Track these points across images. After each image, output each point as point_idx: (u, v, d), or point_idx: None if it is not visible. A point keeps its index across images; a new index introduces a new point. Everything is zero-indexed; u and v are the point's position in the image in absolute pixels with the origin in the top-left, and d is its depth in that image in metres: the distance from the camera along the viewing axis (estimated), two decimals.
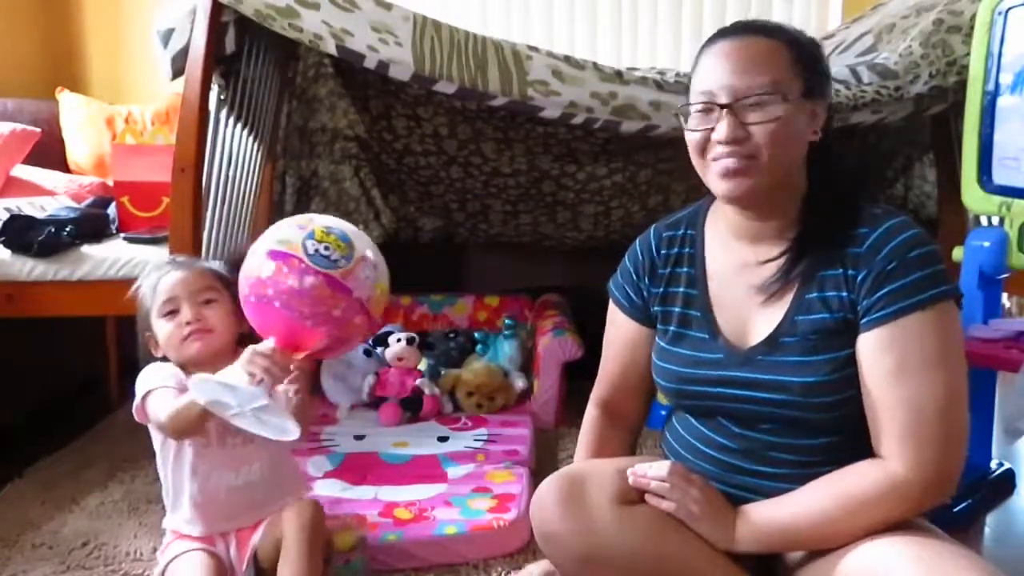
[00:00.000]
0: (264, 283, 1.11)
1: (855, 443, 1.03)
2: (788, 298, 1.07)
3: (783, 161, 1.04)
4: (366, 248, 1.16)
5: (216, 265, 1.41)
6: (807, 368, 1.03)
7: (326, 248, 1.11)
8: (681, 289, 1.16)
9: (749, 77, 1.02)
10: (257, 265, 1.13)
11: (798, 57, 1.05)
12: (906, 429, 0.97)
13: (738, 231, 1.12)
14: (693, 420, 1.16)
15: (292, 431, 1.10)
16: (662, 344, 1.18)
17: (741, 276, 1.11)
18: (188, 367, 1.32)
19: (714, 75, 1.04)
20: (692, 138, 1.07)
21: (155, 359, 1.35)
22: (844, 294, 1.03)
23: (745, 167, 1.03)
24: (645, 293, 1.20)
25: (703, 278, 1.15)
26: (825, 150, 1.08)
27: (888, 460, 0.99)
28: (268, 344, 1.12)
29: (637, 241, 1.24)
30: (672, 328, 1.16)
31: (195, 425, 1.22)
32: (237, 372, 1.13)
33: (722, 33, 1.08)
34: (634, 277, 1.22)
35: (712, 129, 1.03)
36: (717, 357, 1.10)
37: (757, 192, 1.04)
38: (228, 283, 1.34)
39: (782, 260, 1.07)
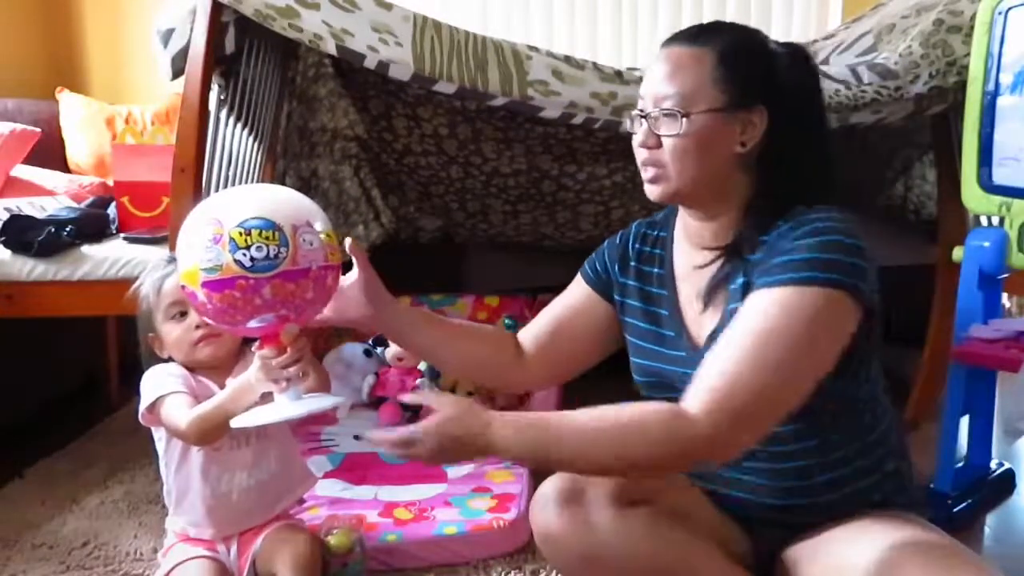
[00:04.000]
0: (226, 312, 1.00)
1: (821, 425, 1.04)
2: (721, 306, 1.07)
3: (691, 174, 1.05)
4: (289, 215, 1.02)
5: None
6: None
7: (258, 249, 0.97)
8: (653, 288, 1.18)
9: (664, 88, 1.05)
10: (204, 300, 1.00)
11: (729, 65, 1.04)
12: (719, 384, 0.94)
13: (689, 234, 1.15)
14: None
15: (335, 399, 1.13)
16: (633, 339, 1.20)
17: (691, 279, 1.13)
18: (195, 369, 1.31)
19: (644, 83, 1.09)
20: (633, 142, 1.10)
21: (157, 360, 1.33)
22: (746, 278, 1.04)
23: (656, 175, 1.07)
24: (611, 274, 1.23)
25: (671, 278, 1.17)
26: (778, 155, 1.06)
27: (687, 404, 0.95)
28: (271, 351, 1.07)
29: (620, 232, 1.27)
30: (643, 324, 1.18)
31: (222, 431, 1.21)
32: (252, 379, 1.12)
33: (665, 40, 1.11)
34: (605, 257, 1.25)
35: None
36: (680, 355, 1.12)
37: (677, 198, 1.09)
38: None
39: (714, 267, 1.09)
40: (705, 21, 1.18)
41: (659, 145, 1.05)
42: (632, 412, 0.96)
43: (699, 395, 0.95)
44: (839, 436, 1.05)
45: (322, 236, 1.03)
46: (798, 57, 1.09)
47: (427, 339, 1.21)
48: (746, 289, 1.02)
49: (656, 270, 1.19)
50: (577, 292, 1.26)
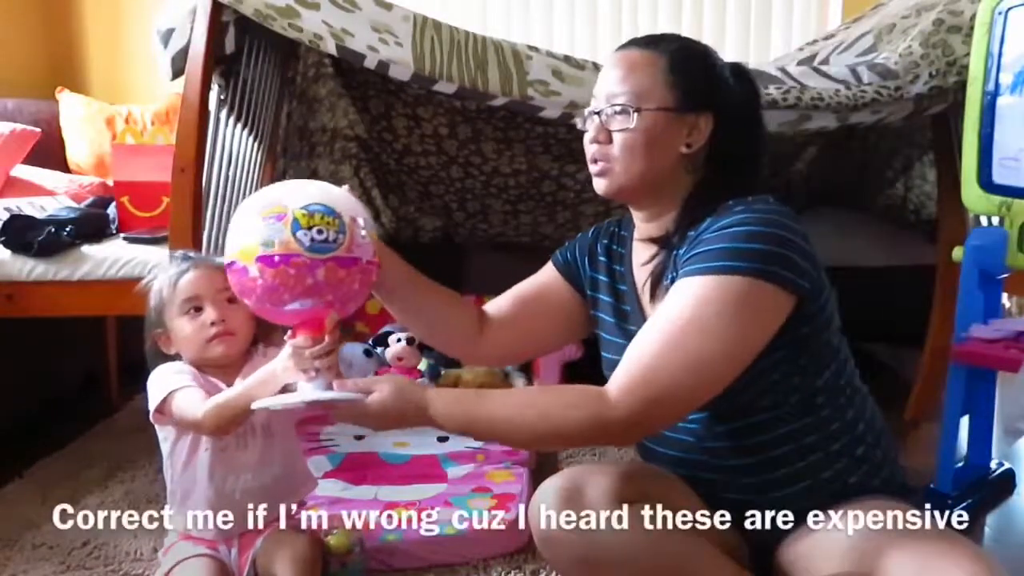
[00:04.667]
0: (273, 289, 1.02)
1: (797, 412, 1.07)
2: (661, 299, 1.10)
3: (639, 169, 1.11)
4: (346, 208, 1.06)
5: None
6: None
7: (319, 232, 1.01)
8: (622, 286, 1.22)
9: (616, 87, 1.11)
10: (256, 275, 1.02)
11: (680, 70, 1.11)
12: (636, 371, 0.99)
13: (639, 231, 1.20)
14: None
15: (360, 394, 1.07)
16: (603, 334, 1.24)
17: (642, 274, 1.18)
18: (204, 367, 1.31)
19: (598, 83, 1.15)
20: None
21: (162, 357, 1.32)
22: (674, 274, 1.08)
23: (603, 169, 1.13)
24: (580, 265, 1.28)
25: (631, 275, 1.21)
26: (720, 158, 1.12)
27: (609, 387, 1.01)
28: (304, 339, 1.06)
29: (594, 226, 1.31)
30: (611, 319, 1.22)
31: (240, 422, 1.22)
32: (279, 369, 1.12)
33: (620, 46, 1.17)
34: (576, 248, 1.29)
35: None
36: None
37: (622, 193, 1.14)
38: None
39: (654, 263, 1.14)
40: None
41: (609, 140, 1.11)
42: (559, 390, 1.06)
43: (618, 380, 1.00)
44: (797, 426, 1.07)
45: (372, 236, 1.08)
46: (740, 71, 1.17)
47: (410, 292, 1.23)
48: (676, 266, 1.08)
49: (619, 267, 1.24)
50: (544, 274, 1.31)
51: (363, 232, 1.05)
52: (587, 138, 1.14)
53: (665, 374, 0.98)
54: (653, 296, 1.13)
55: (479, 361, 1.87)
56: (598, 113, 1.12)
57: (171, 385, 1.25)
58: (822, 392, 1.09)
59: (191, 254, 1.39)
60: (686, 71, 1.11)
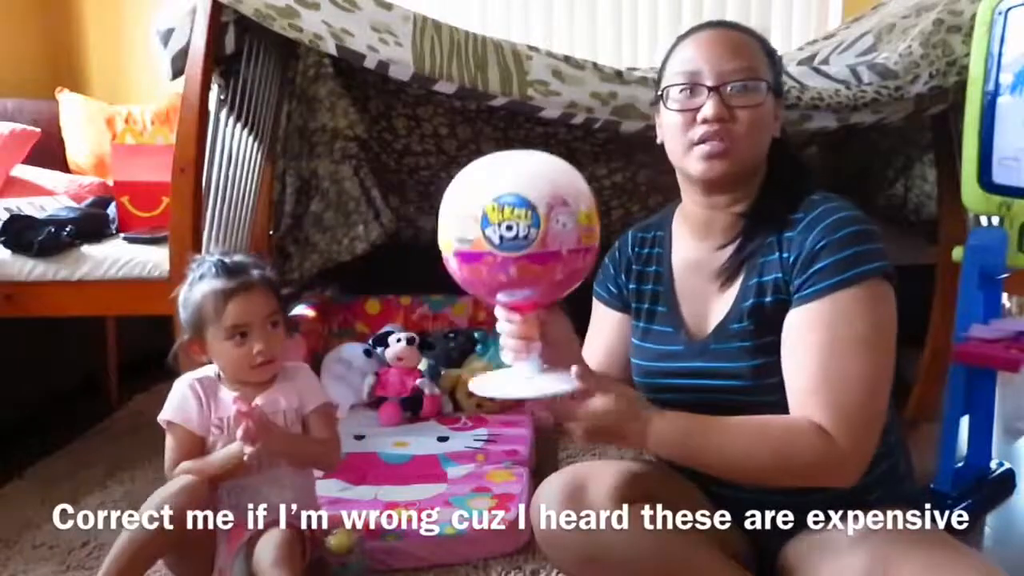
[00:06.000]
0: (473, 283, 1.00)
1: None
2: (736, 286, 1.10)
3: (757, 148, 1.08)
4: (546, 193, 0.95)
5: (264, 274, 1.37)
6: (755, 352, 1.06)
7: (508, 228, 0.94)
8: (650, 287, 1.21)
9: (734, 62, 1.06)
10: (456, 269, 1.01)
11: (770, 54, 1.11)
12: (838, 407, 0.98)
13: (697, 225, 1.16)
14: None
15: (568, 381, 1.01)
16: (634, 340, 1.22)
17: (700, 269, 1.15)
18: (237, 381, 1.35)
19: (699, 58, 1.07)
20: (675, 119, 1.08)
21: (188, 360, 1.35)
22: (779, 275, 1.06)
23: (725, 149, 1.05)
24: (623, 288, 1.24)
25: (669, 275, 1.19)
26: (785, 148, 1.14)
27: (828, 433, 0.98)
28: (511, 319, 1.02)
29: (616, 243, 1.28)
30: (642, 324, 1.20)
31: (214, 481, 1.27)
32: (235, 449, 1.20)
33: (700, 26, 1.13)
34: (612, 272, 1.26)
35: (697, 109, 1.05)
36: (678, 350, 1.14)
37: (730, 176, 1.08)
38: (280, 296, 1.37)
39: (732, 247, 1.11)
40: (705, 22, 1.20)
41: (733, 118, 1.05)
42: (783, 426, 1.00)
43: (828, 426, 0.97)
44: None
45: (579, 216, 0.97)
46: None
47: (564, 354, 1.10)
48: (783, 269, 1.05)
49: (654, 268, 1.21)
50: (606, 317, 1.26)
51: (563, 220, 0.95)
52: (705, 114, 1.05)
53: (863, 403, 0.98)
54: (727, 281, 1.11)
55: None
56: (716, 89, 1.04)
57: (170, 413, 1.33)
58: None
59: (227, 261, 1.35)
60: (773, 57, 1.10)
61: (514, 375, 1.03)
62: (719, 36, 1.09)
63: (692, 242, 1.17)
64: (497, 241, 0.94)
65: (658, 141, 1.15)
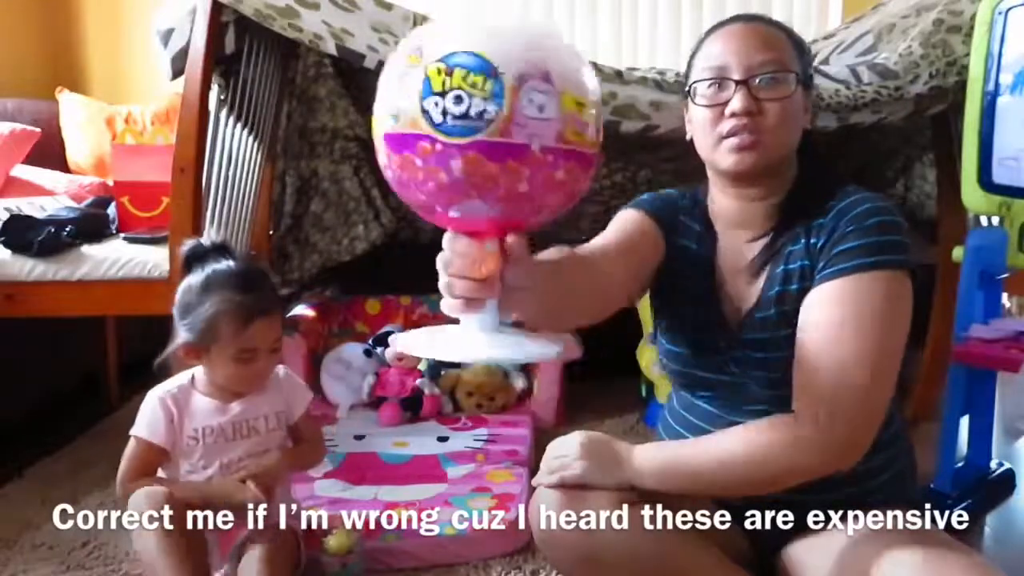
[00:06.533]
0: (407, 186, 0.72)
1: None
2: (764, 275, 1.09)
3: (787, 140, 1.07)
4: (517, 57, 0.67)
5: (275, 289, 1.39)
6: (783, 340, 1.05)
7: (457, 100, 0.65)
8: (689, 269, 1.16)
9: (762, 55, 1.05)
10: (385, 160, 0.72)
11: (799, 46, 1.10)
12: (826, 387, 0.97)
13: (728, 217, 1.14)
14: (696, 400, 1.17)
15: (557, 347, 0.78)
16: (667, 329, 1.19)
17: (733, 261, 1.13)
18: (218, 389, 1.34)
19: (727, 52, 1.06)
20: (703, 114, 1.07)
21: (176, 361, 1.34)
22: (806, 263, 1.05)
23: (754, 142, 1.04)
24: (664, 221, 1.17)
25: (711, 263, 1.15)
26: (814, 142, 1.13)
27: (798, 416, 0.99)
28: (460, 245, 0.76)
29: (668, 190, 1.21)
30: (679, 309, 1.17)
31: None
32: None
33: (729, 20, 1.11)
34: (662, 203, 1.19)
35: (725, 104, 1.05)
36: (713, 340, 1.12)
37: (760, 168, 1.07)
38: (284, 310, 1.38)
39: (766, 239, 1.10)
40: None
41: (760, 112, 1.04)
42: (759, 430, 1.01)
43: (809, 405, 0.98)
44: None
45: (564, 100, 0.68)
46: None
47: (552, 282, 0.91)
48: (810, 256, 1.04)
49: (695, 247, 1.16)
50: (635, 218, 1.17)
51: (540, 100, 0.66)
52: (733, 107, 1.03)
53: (858, 386, 0.97)
54: (758, 272, 1.10)
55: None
56: (744, 82, 1.03)
57: (139, 428, 1.31)
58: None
59: (241, 269, 1.32)
60: (802, 48, 1.10)
61: (459, 333, 0.76)
62: (745, 30, 1.08)
63: (726, 232, 1.15)
64: (439, 118, 0.66)
65: (687, 138, 1.14)
